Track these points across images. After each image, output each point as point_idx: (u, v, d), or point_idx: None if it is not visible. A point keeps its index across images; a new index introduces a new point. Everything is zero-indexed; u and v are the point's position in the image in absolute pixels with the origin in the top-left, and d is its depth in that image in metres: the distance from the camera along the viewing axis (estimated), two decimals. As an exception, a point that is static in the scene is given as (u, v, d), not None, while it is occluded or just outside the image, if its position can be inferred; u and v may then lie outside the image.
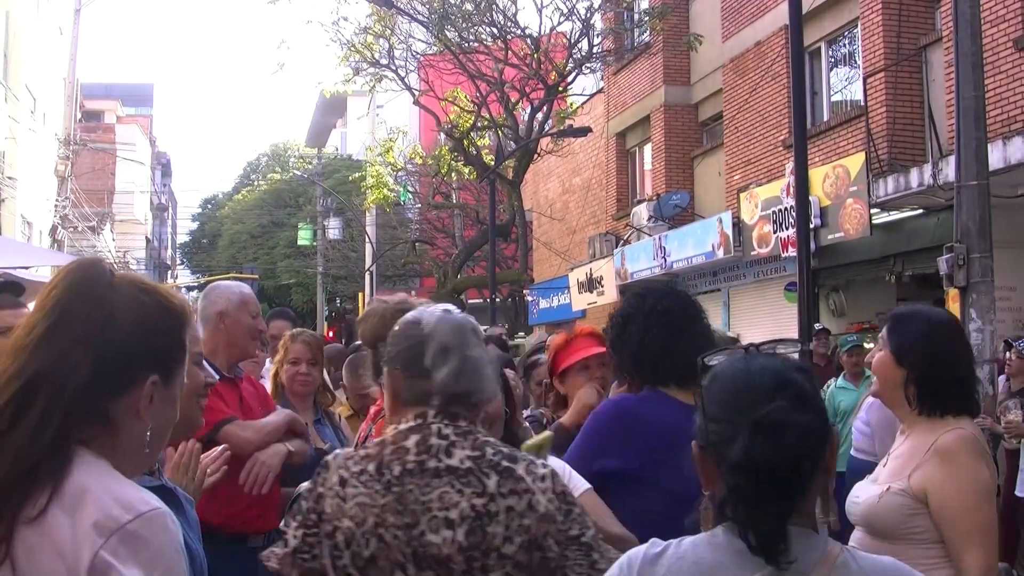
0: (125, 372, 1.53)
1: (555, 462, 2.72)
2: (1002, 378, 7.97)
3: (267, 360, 5.72)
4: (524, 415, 4.84)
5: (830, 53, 14.82)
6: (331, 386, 5.05)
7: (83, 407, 1.49)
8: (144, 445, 1.56)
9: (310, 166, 44.60)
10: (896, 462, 2.86)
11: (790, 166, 11.67)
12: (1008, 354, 7.85)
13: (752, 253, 14.46)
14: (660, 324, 2.80)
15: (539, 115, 19.81)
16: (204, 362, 3.59)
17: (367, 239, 32.17)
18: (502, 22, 19.31)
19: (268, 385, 4.51)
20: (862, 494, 2.87)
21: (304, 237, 39.80)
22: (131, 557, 1.38)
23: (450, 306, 2.16)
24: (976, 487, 2.68)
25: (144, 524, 1.42)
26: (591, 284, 20.03)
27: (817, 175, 12.44)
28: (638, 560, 1.72)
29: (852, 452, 7.85)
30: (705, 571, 1.64)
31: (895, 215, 12.25)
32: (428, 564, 1.87)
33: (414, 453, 1.97)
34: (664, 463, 2.43)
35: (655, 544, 1.72)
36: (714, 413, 1.70)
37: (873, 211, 11.90)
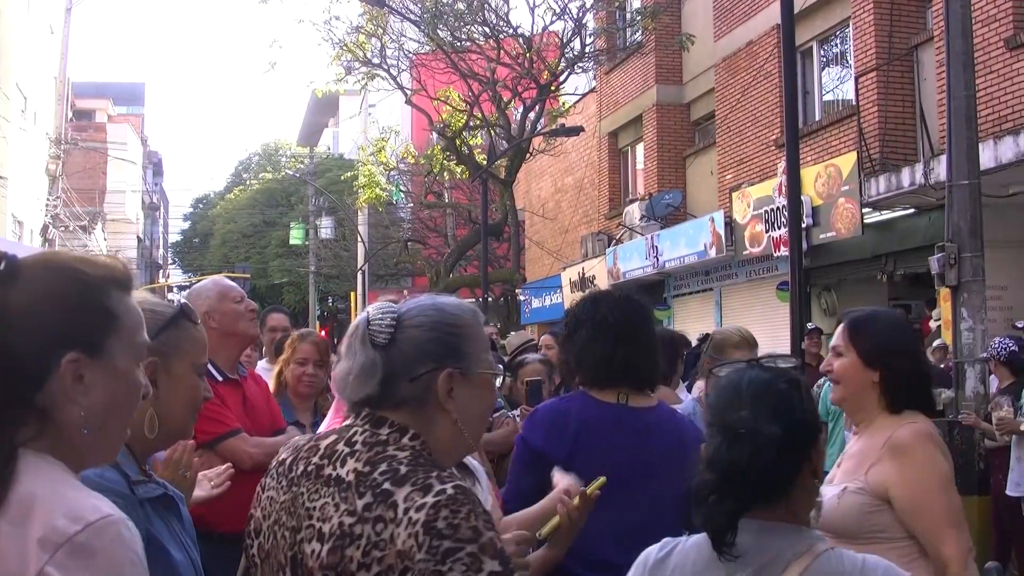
0: (38, 357, 1.43)
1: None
2: (994, 377, 8.02)
3: (260, 361, 5.72)
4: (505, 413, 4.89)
5: (822, 52, 14.86)
6: None
7: (8, 403, 1.40)
8: (81, 429, 1.46)
9: (302, 165, 44.52)
10: (851, 462, 2.86)
11: (782, 165, 11.69)
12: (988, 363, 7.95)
13: (744, 252, 14.48)
14: (605, 335, 3.03)
15: (531, 114, 19.82)
16: (212, 368, 3.61)
17: (359, 238, 32.14)
18: (494, 21, 19.32)
19: (271, 384, 4.50)
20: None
21: (296, 236, 39.77)
22: (79, 571, 1.31)
23: (432, 298, 2.03)
24: (936, 477, 2.71)
25: (94, 534, 1.33)
26: (584, 283, 20.03)
27: (809, 174, 12.47)
28: (652, 558, 1.97)
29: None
30: (702, 568, 1.87)
31: (887, 214, 12.29)
32: (298, 574, 1.82)
33: (319, 456, 1.89)
34: (588, 453, 2.86)
35: (667, 543, 1.97)
36: (708, 418, 1.93)
37: (865, 210, 11.93)
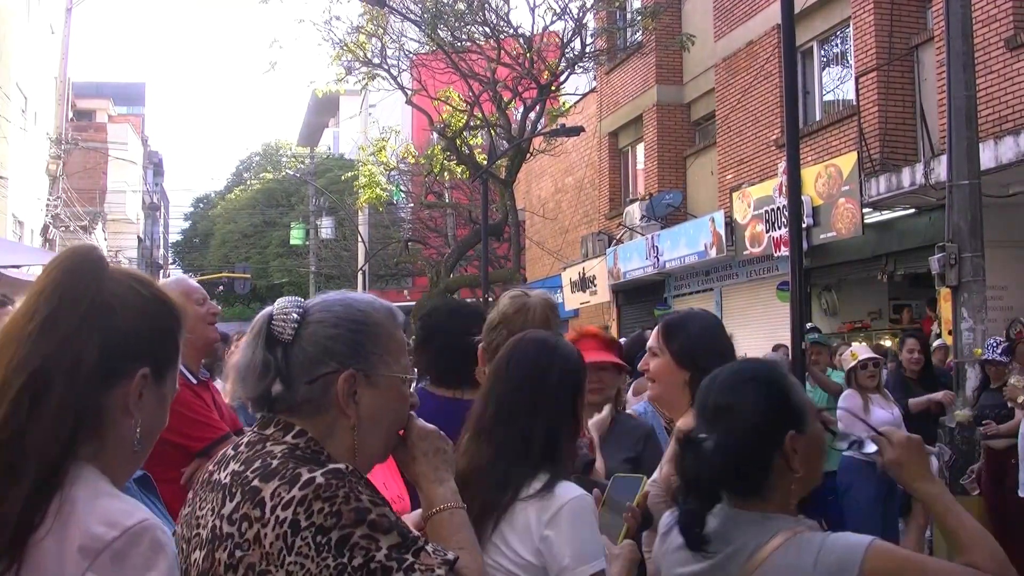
0: (120, 363, 1.45)
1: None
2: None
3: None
4: None
5: (822, 53, 14.85)
6: None
7: (88, 399, 1.41)
8: (133, 445, 1.48)
9: (302, 165, 44.55)
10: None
11: (782, 165, 11.68)
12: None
13: (744, 252, 14.48)
14: (452, 343, 3.44)
15: (532, 114, 19.80)
16: (185, 371, 3.63)
17: (360, 238, 32.13)
18: (495, 21, 19.30)
19: None
20: None
21: (296, 236, 39.80)
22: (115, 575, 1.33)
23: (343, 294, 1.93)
24: None
25: (132, 540, 1.34)
26: (584, 283, 20.04)
27: (809, 174, 12.46)
28: (664, 527, 2.18)
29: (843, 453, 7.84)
30: (685, 554, 2.02)
31: (887, 214, 12.29)
32: None
33: (214, 463, 1.82)
34: None
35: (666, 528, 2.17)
36: None
37: (865, 210, 11.93)
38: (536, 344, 2.47)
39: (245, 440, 1.80)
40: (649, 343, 3.07)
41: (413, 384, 1.96)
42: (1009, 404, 7.47)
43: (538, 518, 2.19)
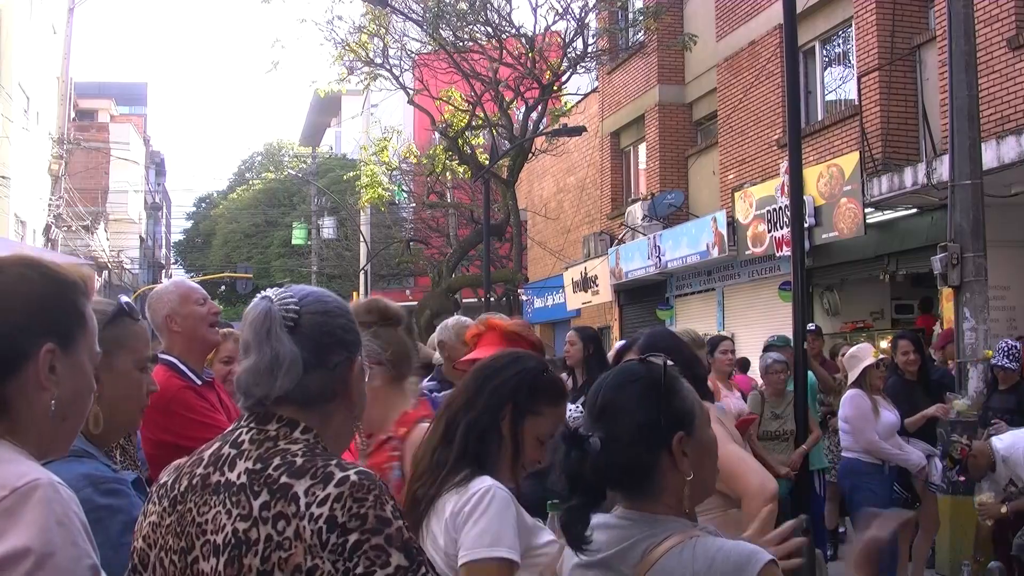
0: (15, 348, 1.50)
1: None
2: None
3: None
4: None
5: (824, 52, 14.84)
6: None
7: None
8: (49, 417, 1.52)
9: (304, 165, 44.60)
10: None
11: (784, 165, 11.67)
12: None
13: (746, 252, 14.47)
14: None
15: (533, 114, 19.80)
16: (189, 371, 3.62)
17: (361, 238, 32.13)
18: (496, 21, 19.30)
19: None
20: None
21: (298, 236, 39.86)
22: (5, 533, 1.37)
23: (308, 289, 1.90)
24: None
25: (19, 498, 1.39)
26: (585, 283, 20.04)
27: (811, 174, 12.45)
28: None
29: (843, 453, 7.76)
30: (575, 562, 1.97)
31: (889, 214, 12.28)
32: None
33: (203, 466, 1.74)
34: None
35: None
36: None
37: (867, 210, 11.92)
38: (497, 355, 2.64)
39: (245, 438, 1.73)
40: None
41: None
42: (988, 523, 7.06)
43: (453, 509, 2.29)
